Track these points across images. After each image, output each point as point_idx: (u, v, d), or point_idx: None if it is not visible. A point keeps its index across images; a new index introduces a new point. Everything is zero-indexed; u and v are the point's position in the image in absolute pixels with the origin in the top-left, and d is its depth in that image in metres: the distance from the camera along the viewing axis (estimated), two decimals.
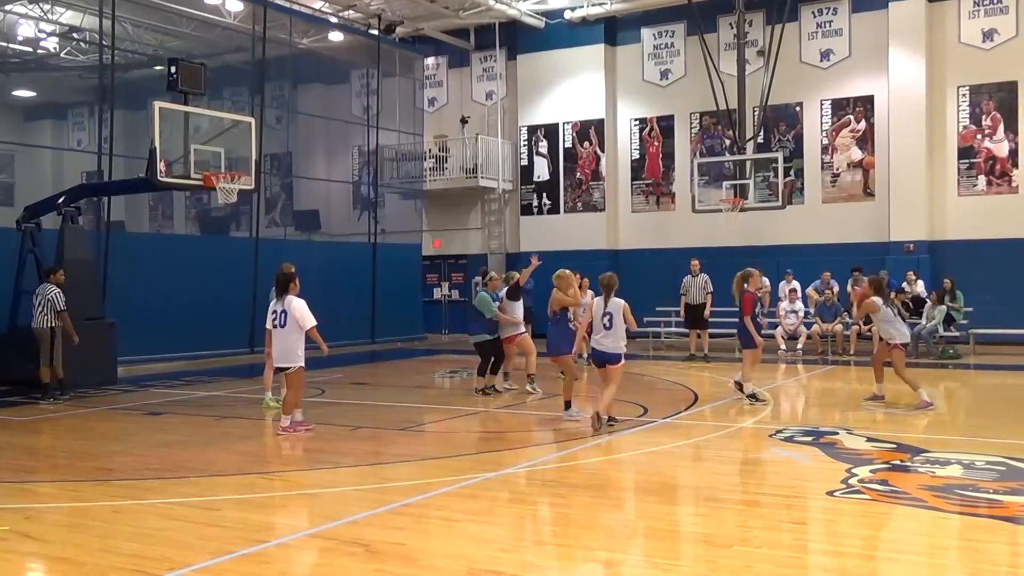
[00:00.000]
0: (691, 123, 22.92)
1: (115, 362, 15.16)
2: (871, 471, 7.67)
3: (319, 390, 13.37)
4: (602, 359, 9.72)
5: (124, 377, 15.69)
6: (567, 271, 10.82)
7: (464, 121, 25.07)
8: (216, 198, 14.15)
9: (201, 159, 13.95)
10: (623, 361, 9.78)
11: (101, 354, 14.38)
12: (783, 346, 18.19)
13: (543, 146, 24.43)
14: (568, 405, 10.49)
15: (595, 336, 9.68)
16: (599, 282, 9.94)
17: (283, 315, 9.67)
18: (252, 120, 14.85)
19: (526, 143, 24.65)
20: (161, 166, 13.07)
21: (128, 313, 16.41)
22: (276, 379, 11.18)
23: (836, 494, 6.92)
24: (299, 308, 9.62)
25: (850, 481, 7.31)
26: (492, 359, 12.57)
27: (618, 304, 9.72)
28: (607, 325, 9.63)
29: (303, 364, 9.67)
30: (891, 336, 11.29)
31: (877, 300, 11.23)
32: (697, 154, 22.55)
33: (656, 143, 23.31)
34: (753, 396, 11.68)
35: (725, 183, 20.47)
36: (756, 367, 11.98)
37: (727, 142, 22.03)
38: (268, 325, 9.79)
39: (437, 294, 25.68)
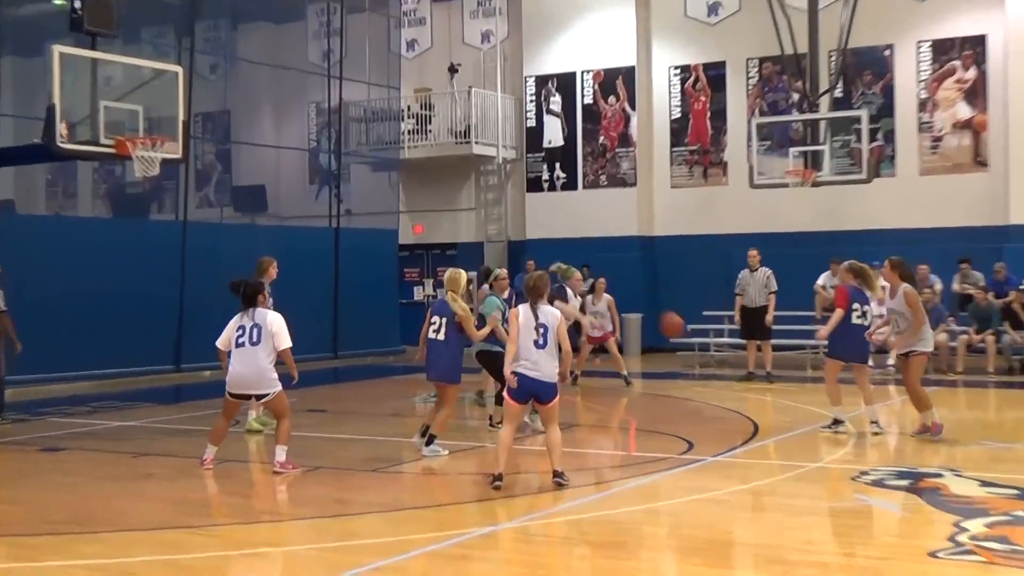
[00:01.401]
0: (748, 72, 22.88)
1: (1, 383, 15.12)
2: (986, 525, 7.61)
3: (269, 419, 13.30)
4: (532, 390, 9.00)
5: (12, 402, 15.62)
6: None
7: (453, 70, 25.05)
8: (132, 170, 14.10)
9: (114, 120, 13.91)
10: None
11: None
12: (870, 361, 18.11)
13: (555, 102, 24.41)
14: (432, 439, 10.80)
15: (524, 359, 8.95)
16: (524, 285, 9.48)
17: (256, 330, 9.92)
18: (179, 69, 14.83)
19: (533, 99, 24.63)
20: (62, 129, 13.02)
21: (18, 320, 16.36)
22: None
23: (941, 555, 6.85)
24: (279, 324, 10.02)
25: (959, 538, 7.24)
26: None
27: (553, 314, 9.09)
28: (540, 342, 8.93)
29: (280, 387, 10.08)
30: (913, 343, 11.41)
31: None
32: (756, 112, 22.51)
33: (703, 98, 23.27)
34: (837, 421, 11.77)
35: (792, 150, 20.43)
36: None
37: (795, 97, 21.97)
38: (226, 343, 9.99)
39: (418, 294, 25.67)
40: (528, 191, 24.74)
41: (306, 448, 11.52)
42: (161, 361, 19.26)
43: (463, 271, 11.27)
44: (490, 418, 12.64)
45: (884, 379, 17.43)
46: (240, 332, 9.94)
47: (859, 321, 11.81)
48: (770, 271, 17.82)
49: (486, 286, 13.39)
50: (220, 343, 10.05)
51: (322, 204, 24.57)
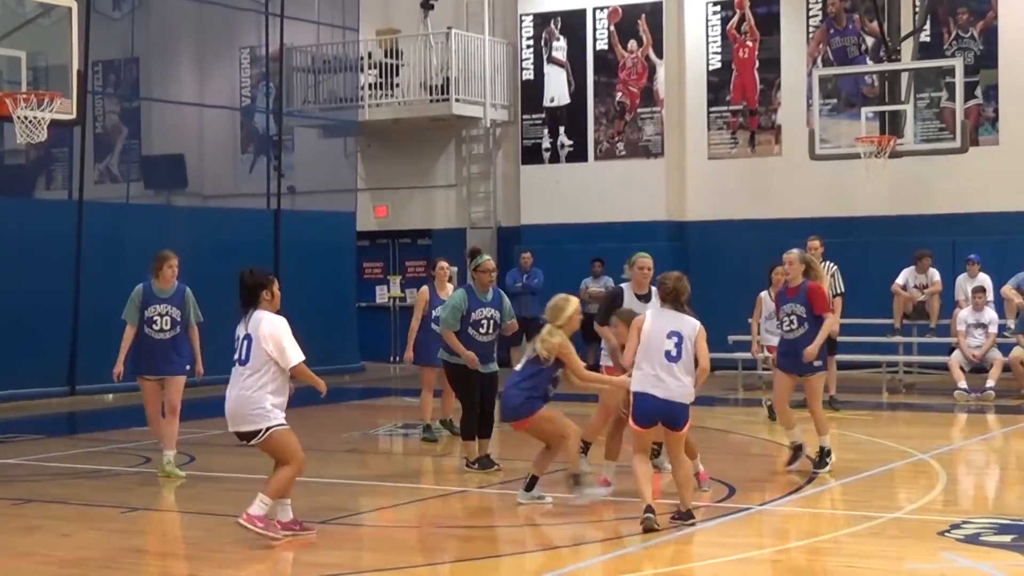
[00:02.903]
0: (808, 9, 22.89)
1: None
2: None
3: (185, 456, 13.34)
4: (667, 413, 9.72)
5: None
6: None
7: (428, 6, 25.05)
8: (13, 135, 14.10)
9: None
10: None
11: None
12: (962, 383, 18.21)
13: (560, 48, 24.42)
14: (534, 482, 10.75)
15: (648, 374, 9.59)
16: (659, 286, 9.84)
17: (246, 344, 9.45)
18: (73, 4, 14.80)
19: (531, 43, 24.64)
20: None
21: None
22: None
23: None
24: (274, 331, 9.48)
25: None
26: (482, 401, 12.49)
27: (691, 324, 9.70)
28: (674, 354, 9.61)
29: (282, 422, 9.32)
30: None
31: None
32: (818, 62, 22.53)
33: (750, 43, 23.29)
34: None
35: (866, 110, 20.45)
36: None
37: (869, 42, 22.00)
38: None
39: (382, 295, 25.67)
40: (523, 163, 24.73)
41: (240, 494, 11.51)
42: (50, 382, 19.23)
43: (571, 298, 10.89)
44: (466, 458, 12.57)
45: (981, 405, 17.50)
46: (236, 346, 9.44)
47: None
48: (835, 266, 17.85)
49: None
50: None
51: (258, 179, 24.54)
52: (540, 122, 24.58)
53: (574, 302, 10.77)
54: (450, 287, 14.12)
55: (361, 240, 25.16)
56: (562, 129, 24.38)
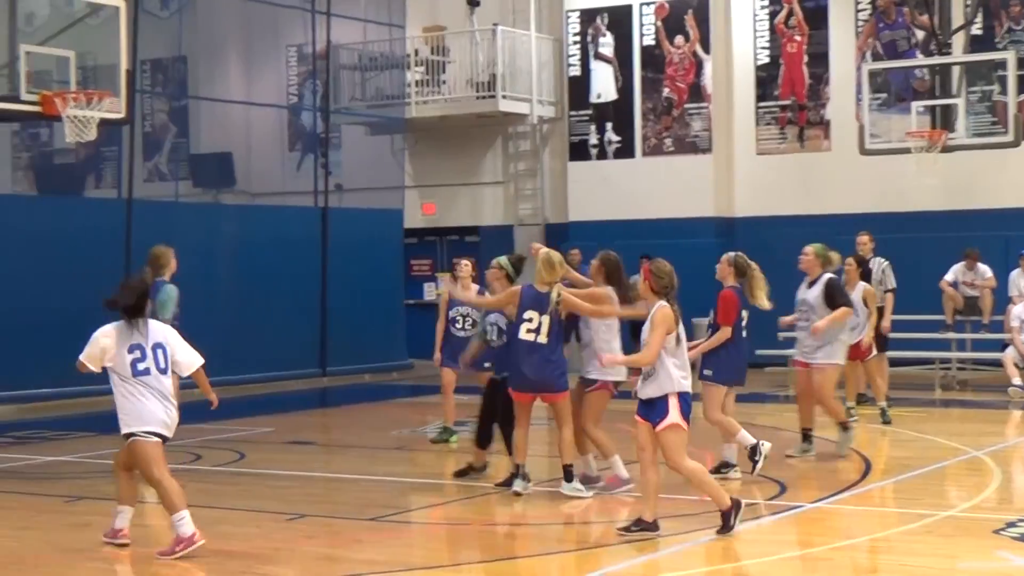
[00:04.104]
0: (856, 2, 22.76)
1: None
2: None
3: (236, 453, 13.40)
4: None
5: None
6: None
7: (474, 3, 25.08)
8: (63, 134, 14.18)
9: (39, 70, 14.03)
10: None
11: None
12: (1016, 379, 18.07)
13: (606, 44, 24.38)
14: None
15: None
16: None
17: (161, 353, 9.29)
18: (122, 4, 14.87)
19: (577, 39, 24.61)
20: None
21: None
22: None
23: None
24: (179, 338, 9.48)
25: None
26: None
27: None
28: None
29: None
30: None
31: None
32: (868, 56, 22.41)
33: (798, 37, 23.19)
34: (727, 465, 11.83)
35: (916, 105, 20.32)
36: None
37: (919, 35, 21.84)
38: (98, 363, 9.39)
39: (430, 293, 25.70)
40: (571, 159, 24.71)
41: (287, 491, 11.57)
42: (100, 380, 19.22)
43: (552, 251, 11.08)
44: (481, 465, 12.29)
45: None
46: (138, 355, 9.21)
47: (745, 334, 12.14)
48: (886, 262, 17.78)
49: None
50: (89, 360, 9.38)
51: (305, 177, 24.62)
52: (587, 118, 24.55)
53: (551, 254, 10.91)
54: (475, 288, 13.76)
55: (409, 237, 25.21)
56: (609, 125, 24.35)
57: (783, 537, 9.38)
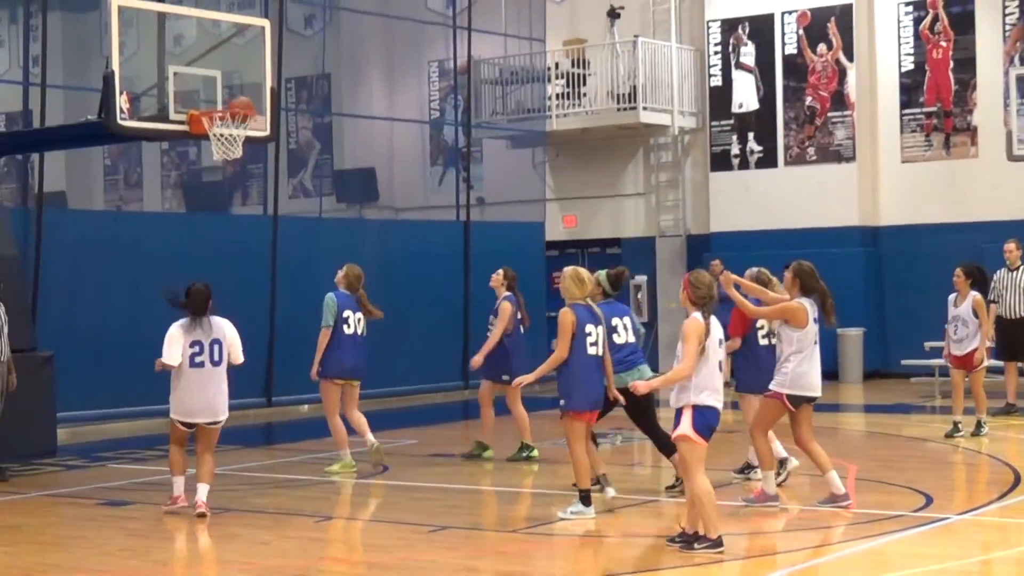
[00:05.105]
0: (1004, 6, 22.38)
1: (54, 420, 15.69)
2: None
3: (380, 466, 13.54)
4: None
5: (68, 444, 16.20)
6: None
7: (614, 15, 25.10)
8: (210, 152, 14.45)
9: (186, 90, 14.29)
10: None
11: (34, 407, 14.78)
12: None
13: (748, 54, 24.25)
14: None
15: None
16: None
17: (216, 347, 11.11)
18: (266, 24, 15.13)
19: (719, 50, 24.50)
20: (123, 102, 13.43)
21: (71, 341, 16.94)
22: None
23: None
24: (235, 334, 11.33)
25: None
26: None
27: None
28: None
29: None
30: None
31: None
32: (1015, 61, 22.00)
33: (944, 43, 22.85)
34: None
35: None
36: None
37: None
38: (174, 361, 10.99)
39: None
40: (712, 170, 24.62)
41: (429, 503, 11.67)
42: (249, 393, 19.66)
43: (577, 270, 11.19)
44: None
45: None
46: (196, 349, 11.02)
47: (766, 342, 12.08)
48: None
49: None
50: (170, 359, 10.98)
51: (447, 191, 24.84)
52: (729, 128, 24.44)
53: (579, 270, 11.12)
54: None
55: (550, 250, 25.26)
56: (751, 135, 24.22)
57: (931, 550, 9.25)
